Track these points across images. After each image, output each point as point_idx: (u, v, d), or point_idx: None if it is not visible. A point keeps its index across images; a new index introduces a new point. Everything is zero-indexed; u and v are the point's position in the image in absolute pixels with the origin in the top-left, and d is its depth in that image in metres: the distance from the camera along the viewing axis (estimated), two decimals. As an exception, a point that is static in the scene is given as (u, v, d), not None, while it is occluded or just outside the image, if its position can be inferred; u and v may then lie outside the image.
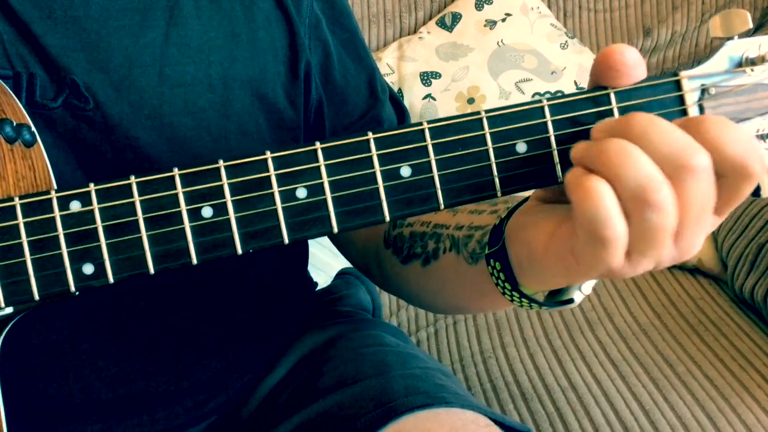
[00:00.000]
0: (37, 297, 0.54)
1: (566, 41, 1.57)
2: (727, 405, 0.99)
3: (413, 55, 1.58)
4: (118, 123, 0.70)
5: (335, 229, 0.53)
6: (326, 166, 0.53)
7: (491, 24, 1.56)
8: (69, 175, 0.70)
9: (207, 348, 0.79)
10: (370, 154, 0.53)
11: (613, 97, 0.53)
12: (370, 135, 0.53)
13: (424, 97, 1.53)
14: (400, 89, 1.56)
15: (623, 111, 0.53)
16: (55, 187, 0.60)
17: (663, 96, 0.53)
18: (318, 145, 0.53)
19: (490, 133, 0.53)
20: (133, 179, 0.53)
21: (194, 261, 0.53)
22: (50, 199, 0.53)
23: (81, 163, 0.70)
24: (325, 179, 0.53)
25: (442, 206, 0.53)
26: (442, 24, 1.61)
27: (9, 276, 0.53)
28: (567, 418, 1.02)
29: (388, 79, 1.57)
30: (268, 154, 0.53)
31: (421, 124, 0.53)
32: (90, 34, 0.70)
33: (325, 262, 1.40)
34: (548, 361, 1.13)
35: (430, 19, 1.65)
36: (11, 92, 0.63)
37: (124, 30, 0.71)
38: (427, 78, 1.54)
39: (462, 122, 0.53)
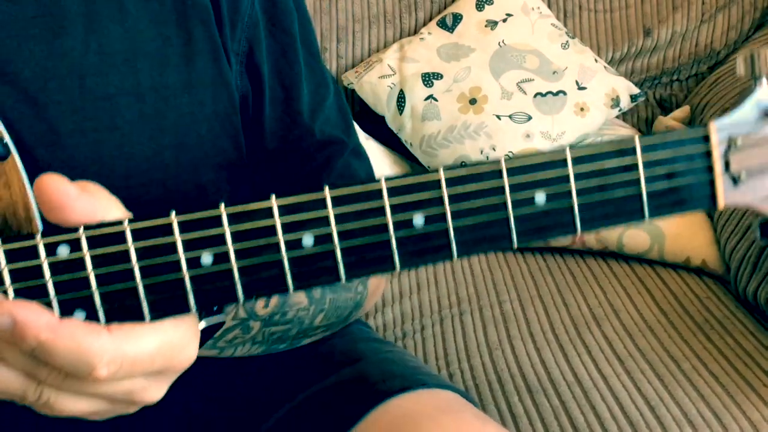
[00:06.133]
0: None
1: (567, 41, 1.57)
2: (732, 401, 1.00)
3: (414, 56, 1.58)
4: (35, 146, 0.63)
5: (343, 279, 0.51)
6: (335, 215, 0.51)
7: (492, 24, 1.57)
8: None
9: None
10: (381, 204, 0.51)
11: (638, 149, 0.52)
12: (383, 183, 0.50)
13: (426, 98, 1.53)
14: (402, 90, 1.56)
15: (648, 163, 0.52)
16: (32, 201, 0.56)
17: (690, 150, 0.52)
18: (327, 192, 0.50)
19: (510, 184, 0.51)
20: (126, 225, 0.50)
21: (192, 309, 0.51)
22: (35, 245, 0.50)
23: None
24: (334, 228, 0.51)
25: (455, 257, 0.52)
26: (443, 25, 1.61)
27: None
28: (572, 412, 1.03)
29: (389, 81, 1.57)
30: (273, 201, 0.50)
31: (436, 172, 0.51)
32: None
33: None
34: (554, 356, 1.15)
35: (431, 19, 1.65)
36: None
37: (35, 39, 0.63)
38: (428, 79, 1.55)
39: (480, 172, 0.51)
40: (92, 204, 0.49)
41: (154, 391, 0.52)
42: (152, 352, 0.49)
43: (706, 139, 0.52)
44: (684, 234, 1.38)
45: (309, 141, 0.79)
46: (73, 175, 0.58)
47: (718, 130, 0.52)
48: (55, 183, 0.48)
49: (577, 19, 1.66)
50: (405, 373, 0.79)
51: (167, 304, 0.50)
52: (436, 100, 1.53)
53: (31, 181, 0.57)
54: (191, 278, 0.50)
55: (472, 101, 1.50)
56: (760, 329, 1.16)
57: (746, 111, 0.53)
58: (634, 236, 1.40)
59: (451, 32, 1.59)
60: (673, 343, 1.14)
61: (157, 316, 0.50)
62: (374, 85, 1.58)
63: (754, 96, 0.52)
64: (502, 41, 1.55)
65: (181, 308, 0.51)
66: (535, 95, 1.50)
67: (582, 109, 1.52)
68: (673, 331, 1.17)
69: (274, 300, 0.67)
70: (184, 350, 0.51)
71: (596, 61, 1.58)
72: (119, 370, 0.47)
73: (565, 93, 1.52)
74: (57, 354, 0.46)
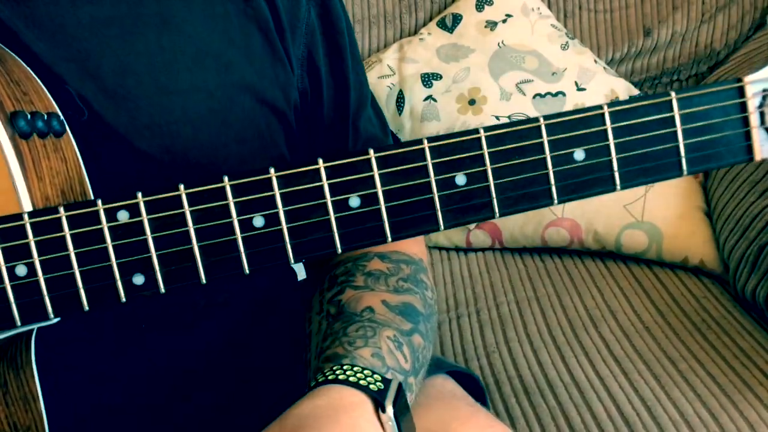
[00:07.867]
0: (87, 308, 0.54)
1: (567, 42, 1.57)
2: (729, 401, 1.00)
3: (414, 56, 1.58)
4: (115, 133, 0.68)
5: (389, 239, 0.53)
6: (380, 175, 0.53)
7: (492, 25, 1.57)
8: None
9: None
10: (425, 163, 0.53)
11: (675, 104, 0.52)
12: (426, 143, 0.53)
13: (425, 99, 1.53)
14: (401, 90, 1.56)
15: (685, 118, 0.53)
16: (86, 177, 0.60)
17: (725, 103, 0.53)
18: (372, 153, 0.53)
19: (548, 140, 0.52)
20: (182, 190, 0.52)
21: (246, 271, 0.53)
22: (97, 211, 0.53)
23: None
24: (379, 189, 0.53)
25: (497, 215, 0.53)
26: (442, 25, 1.61)
27: (58, 288, 0.53)
28: (569, 413, 1.03)
29: (388, 81, 1.58)
30: (321, 164, 0.53)
31: (477, 131, 0.53)
32: (80, 43, 0.68)
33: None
34: (551, 357, 1.15)
35: (431, 20, 1.65)
36: (35, 75, 0.62)
37: (114, 39, 0.69)
38: (428, 79, 1.55)
39: (519, 129, 0.53)
40: None
41: None
42: None
43: (741, 92, 0.53)
44: (682, 233, 1.38)
45: (354, 137, 0.84)
46: (149, 161, 0.69)
47: (752, 83, 0.53)
48: None
49: (577, 20, 1.66)
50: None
51: (222, 266, 0.53)
52: (435, 100, 1.53)
53: (123, 166, 0.66)
54: (244, 240, 0.53)
55: (471, 102, 1.51)
56: (758, 329, 1.15)
57: None
58: (632, 235, 1.40)
59: (451, 33, 1.59)
60: (670, 343, 1.14)
61: (212, 279, 0.53)
62: (373, 85, 1.58)
63: None
64: (502, 42, 1.55)
65: (235, 269, 0.53)
66: (534, 96, 1.50)
67: (581, 110, 1.51)
68: (670, 332, 1.16)
69: (407, 353, 0.70)
70: None
71: (596, 62, 1.58)
72: None
73: (564, 94, 1.51)
74: None
